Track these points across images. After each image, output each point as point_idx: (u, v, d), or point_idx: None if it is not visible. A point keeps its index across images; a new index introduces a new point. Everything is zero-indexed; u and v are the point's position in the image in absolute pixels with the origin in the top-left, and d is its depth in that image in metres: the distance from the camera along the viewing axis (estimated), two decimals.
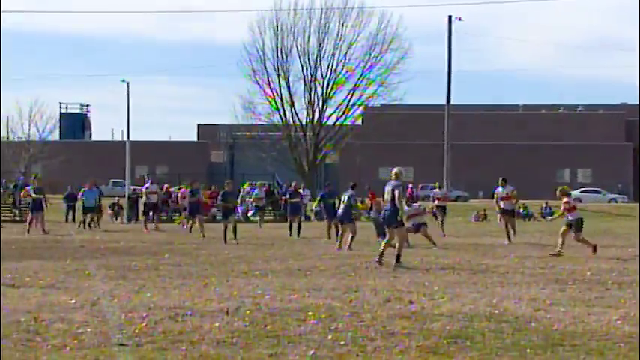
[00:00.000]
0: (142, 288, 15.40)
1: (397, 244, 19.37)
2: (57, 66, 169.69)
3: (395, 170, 19.80)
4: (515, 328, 11.24)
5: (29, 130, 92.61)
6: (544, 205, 61.48)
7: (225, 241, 28.33)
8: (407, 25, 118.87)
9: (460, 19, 65.40)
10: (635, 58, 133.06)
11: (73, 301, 13.57)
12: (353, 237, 25.43)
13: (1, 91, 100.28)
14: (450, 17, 65.37)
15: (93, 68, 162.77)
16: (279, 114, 72.77)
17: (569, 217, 23.39)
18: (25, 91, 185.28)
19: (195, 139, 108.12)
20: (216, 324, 11.45)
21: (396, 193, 19.03)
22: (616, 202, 79.85)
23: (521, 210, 56.64)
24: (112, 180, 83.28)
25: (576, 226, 23.26)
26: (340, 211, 26.30)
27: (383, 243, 20.20)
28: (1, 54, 68.09)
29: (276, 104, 72.32)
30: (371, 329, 11.13)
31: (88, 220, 38.85)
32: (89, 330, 11.00)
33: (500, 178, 29.11)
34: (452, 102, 66.41)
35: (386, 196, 19.63)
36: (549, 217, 49.62)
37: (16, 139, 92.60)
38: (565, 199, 23.61)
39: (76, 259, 21.91)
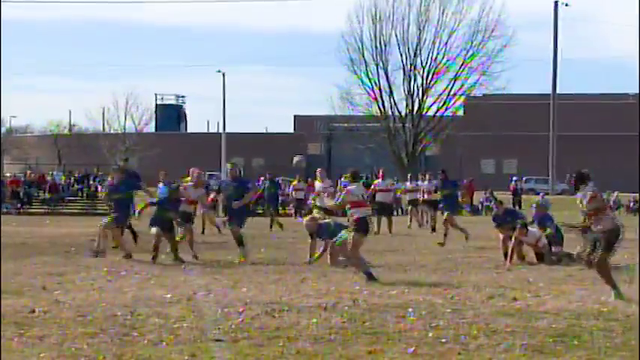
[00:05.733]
0: (237, 283, 15.53)
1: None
2: (153, 57, 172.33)
3: None
4: (626, 327, 11.05)
5: (124, 122, 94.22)
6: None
7: None
8: (510, 11, 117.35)
9: (567, 5, 64.51)
10: None
11: (169, 295, 13.77)
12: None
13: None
14: (556, 2, 64.55)
15: (189, 59, 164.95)
16: (378, 105, 72.53)
17: None
18: (121, 82, 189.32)
19: (291, 130, 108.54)
20: (314, 320, 11.49)
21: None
22: None
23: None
24: (207, 172, 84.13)
25: None
26: None
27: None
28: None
29: (374, 94, 72.10)
30: (473, 327, 11.06)
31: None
32: (185, 325, 11.15)
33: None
34: (558, 91, 65.43)
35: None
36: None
37: (112, 132, 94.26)
38: None
39: (169, 253, 22.14)
